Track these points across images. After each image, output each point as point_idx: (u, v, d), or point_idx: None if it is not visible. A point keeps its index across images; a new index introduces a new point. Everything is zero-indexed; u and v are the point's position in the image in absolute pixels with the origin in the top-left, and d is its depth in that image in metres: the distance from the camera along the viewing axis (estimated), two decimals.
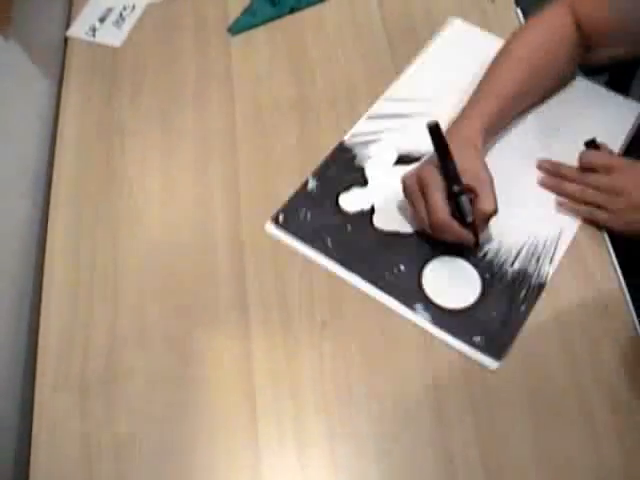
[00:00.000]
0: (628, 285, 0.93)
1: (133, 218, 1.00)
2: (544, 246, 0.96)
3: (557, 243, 0.96)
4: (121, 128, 1.08)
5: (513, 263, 0.95)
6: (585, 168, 0.99)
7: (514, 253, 0.96)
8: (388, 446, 0.83)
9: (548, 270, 0.94)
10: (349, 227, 0.99)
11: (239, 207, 1.01)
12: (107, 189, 1.02)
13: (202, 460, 0.83)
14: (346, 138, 1.07)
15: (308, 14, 1.20)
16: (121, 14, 1.20)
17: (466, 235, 0.90)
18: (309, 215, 1.00)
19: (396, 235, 0.98)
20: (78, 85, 1.13)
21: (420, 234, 0.97)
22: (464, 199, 0.89)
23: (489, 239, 0.97)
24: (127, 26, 1.19)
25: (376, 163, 1.05)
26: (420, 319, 0.92)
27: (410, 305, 0.93)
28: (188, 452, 0.83)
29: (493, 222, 0.94)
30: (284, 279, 0.94)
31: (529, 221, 0.98)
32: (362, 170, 1.04)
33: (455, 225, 0.90)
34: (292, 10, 1.20)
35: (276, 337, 0.90)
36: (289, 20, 1.20)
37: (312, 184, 1.03)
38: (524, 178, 1.01)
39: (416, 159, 1.02)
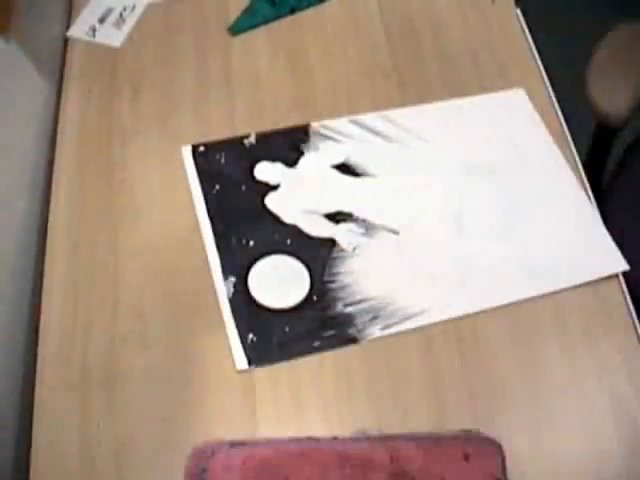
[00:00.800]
0: (628, 285, 0.93)
1: (133, 218, 1.00)
2: (391, 313, 0.90)
3: (408, 320, 0.90)
4: (121, 128, 1.08)
5: (348, 305, 0.91)
6: None
7: (357, 299, 0.91)
8: None
9: (372, 333, 0.89)
10: (243, 187, 1.00)
11: None
12: (107, 189, 1.02)
13: None
14: (315, 124, 1.06)
15: (308, 14, 1.20)
16: (121, 14, 1.20)
17: None
18: (223, 161, 1.02)
19: (274, 218, 0.98)
20: (78, 85, 1.13)
21: (299, 232, 0.96)
22: None
23: (351, 272, 0.93)
24: (127, 26, 1.19)
25: (318, 157, 1.03)
26: (222, 290, 0.92)
27: (226, 274, 0.93)
28: (188, 452, 0.83)
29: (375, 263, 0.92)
30: None
31: (404, 280, 0.93)
32: (301, 154, 1.04)
33: None
34: (292, 10, 1.20)
35: None
36: (289, 20, 1.20)
37: (250, 140, 1.04)
38: (447, 242, 0.95)
39: (356, 173, 1.01)
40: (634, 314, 0.91)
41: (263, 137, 1.05)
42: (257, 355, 0.88)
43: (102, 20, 1.20)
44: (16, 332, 0.94)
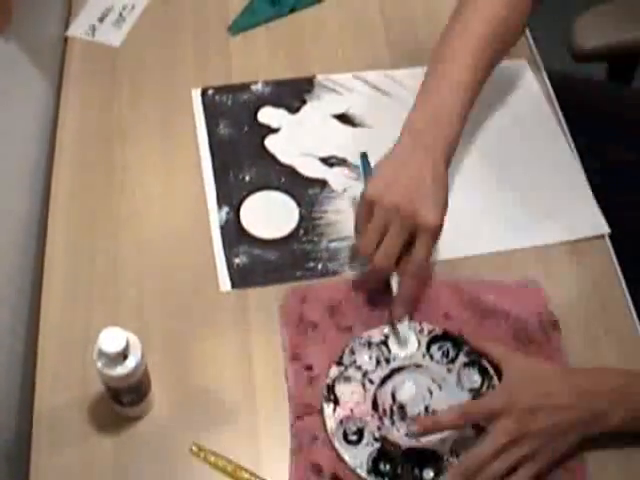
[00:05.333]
0: (628, 285, 0.93)
1: (133, 218, 1.00)
2: None
3: None
4: (121, 127, 1.08)
5: (332, 241, 0.96)
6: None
7: (342, 236, 0.96)
8: None
9: (354, 268, 0.93)
10: (246, 128, 1.06)
11: None
12: (107, 189, 1.02)
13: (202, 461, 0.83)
14: (320, 76, 1.11)
15: (308, 14, 1.20)
16: (121, 14, 1.20)
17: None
18: (230, 102, 1.07)
19: (272, 158, 1.03)
20: (78, 85, 1.12)
21: (293, 172, 1.01)
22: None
23: (339, 211, 0.98)
24: (127, 26, 1.18)
25: (319, 106, 1.08)
26: (215, 218, 0.97)
27: (220, 203, 0.99)
28: (188, 452, 0.83)
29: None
30: None
31: None
32: (303, 103, 1.09)
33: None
34: (292, 10, 1.20)
35: (276, 337, 0.90)
36: (289, 20, 1.20)
37: (257, 86, 1.09)
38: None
39: (354, 124, 1.07)
40: (634, 314, 0.91)
41: (270, 84, 1.10)
42: (241, 278, 0.93)
43: (102, 19, 1.20)
44: (16, 332, 0.94)
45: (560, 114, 1.08)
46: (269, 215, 0.99)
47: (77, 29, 1.19)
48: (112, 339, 0.76)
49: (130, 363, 0.77)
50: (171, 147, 1.06)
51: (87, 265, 0.96)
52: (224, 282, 0.93)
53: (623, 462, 0.82)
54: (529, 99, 1.09)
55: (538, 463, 0.77)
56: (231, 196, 1.00)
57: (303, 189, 1.01)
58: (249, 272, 0.94)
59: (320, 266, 0.94)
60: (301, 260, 0.95)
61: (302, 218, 0.98)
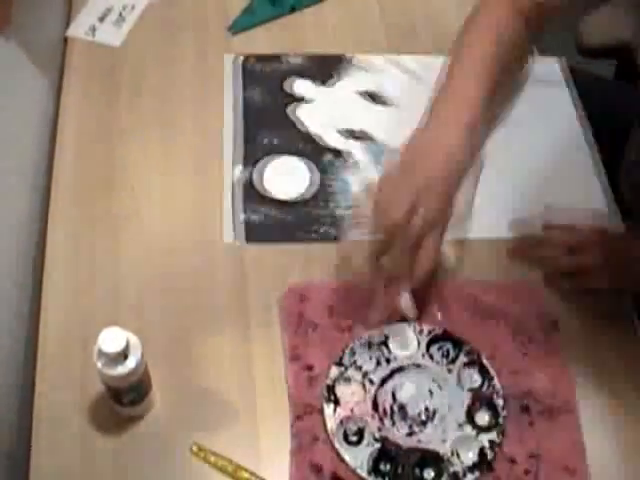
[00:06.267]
0: None
1: (133, 218, 1.00)
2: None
3: None
4: (121, 128, 1.08)
5: (338, 208, 0.99)
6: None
7: (348, 204, 0.99)
8: None
9: (353, 237, 0.96)
10: (273, 95, 1.10)
11: None
12: (107, 189, 1.02)
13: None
14: (349, 55, 1.14)
15: (308, 13, 1.20)
16: (121, 14, 1.20)
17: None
18: (259, 70, 1.13)
19: (294, 125, 1.07)
20: (78, 85, 1.12)
21: (313, 140, 1.04)
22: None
23: (351, 181, 1.01)
24: (127, 26, 1.18)
25: (348, 81, 1.12)
26: (229, 173, 1.02)
27: (235, 162, 1.03)
28: (188, 452, 0.83)
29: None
30: (284, 278, 0.94)
31: None
32: (331, 77, 1.12)
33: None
34: (292, 9, 1.20)
35: (276, 337, 0.90)
36: (289, 19, 1.20)
37: (288, 58, 1.14)
38: None
39: (381, 101, 1.09)
40: (634, 313, 0.91)
41: (301, 57, 1.15)
42: (245, 233, 0.97)
43: (102, 19, 1.20)
44: (16, 332, 0.94)
45: (583, 114, 1.08)
46: (281, 177, 1.02)
47: (77, 29, 1.19)
48: (112, 339, 0.76)
49: (130, 363, 0.77)
50: (171, 147, 1.06)
51: (87, 265, 0.96)
52: (228, 233, 0.97)
53: (623, 461, 0.82)
54: (552, 96, 1.10)
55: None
56: (247, 155, 1.03)
57: (320, 157, 1.04)
58: (253, 228, 0.98)
59: (323, 230, 0.97)
60: (307, 223, 0.98)
61: (313, 183, 1.01)
